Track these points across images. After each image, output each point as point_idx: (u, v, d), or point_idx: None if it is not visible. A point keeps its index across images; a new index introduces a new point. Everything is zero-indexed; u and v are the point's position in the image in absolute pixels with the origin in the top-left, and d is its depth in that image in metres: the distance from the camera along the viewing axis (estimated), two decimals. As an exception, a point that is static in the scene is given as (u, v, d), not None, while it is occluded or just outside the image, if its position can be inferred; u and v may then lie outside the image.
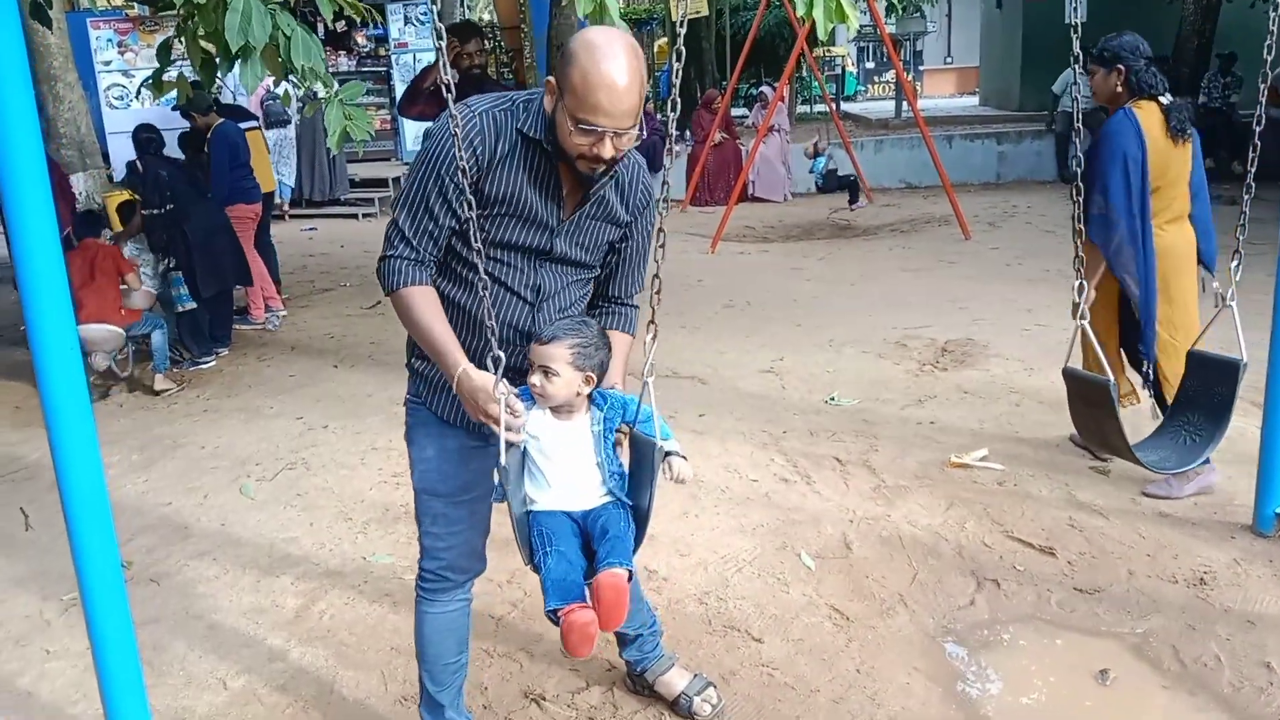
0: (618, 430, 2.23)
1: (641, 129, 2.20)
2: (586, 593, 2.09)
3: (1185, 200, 3.99)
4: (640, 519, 2.22)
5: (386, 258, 2.21)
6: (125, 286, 6.14)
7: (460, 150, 2.03)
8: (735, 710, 2.86)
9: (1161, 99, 3.93)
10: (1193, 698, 2.90)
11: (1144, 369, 3.98)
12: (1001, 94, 21.28)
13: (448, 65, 2.02)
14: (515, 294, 2.26)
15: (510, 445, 2.09)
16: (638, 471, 2.23)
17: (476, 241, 2.03)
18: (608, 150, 2.06)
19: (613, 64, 2.00)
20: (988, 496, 4.15)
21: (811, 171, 13.30)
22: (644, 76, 2.06)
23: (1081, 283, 2.95)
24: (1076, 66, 3.06)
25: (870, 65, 33.15)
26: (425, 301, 2.19)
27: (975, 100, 25.25)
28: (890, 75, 27.99)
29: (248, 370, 6.59)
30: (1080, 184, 3.02)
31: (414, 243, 2.19)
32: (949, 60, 33.33)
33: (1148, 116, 3.89)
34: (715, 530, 3.94)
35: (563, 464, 2.18)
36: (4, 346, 7.31)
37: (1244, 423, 4.09)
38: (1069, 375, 2.91)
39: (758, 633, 3.24)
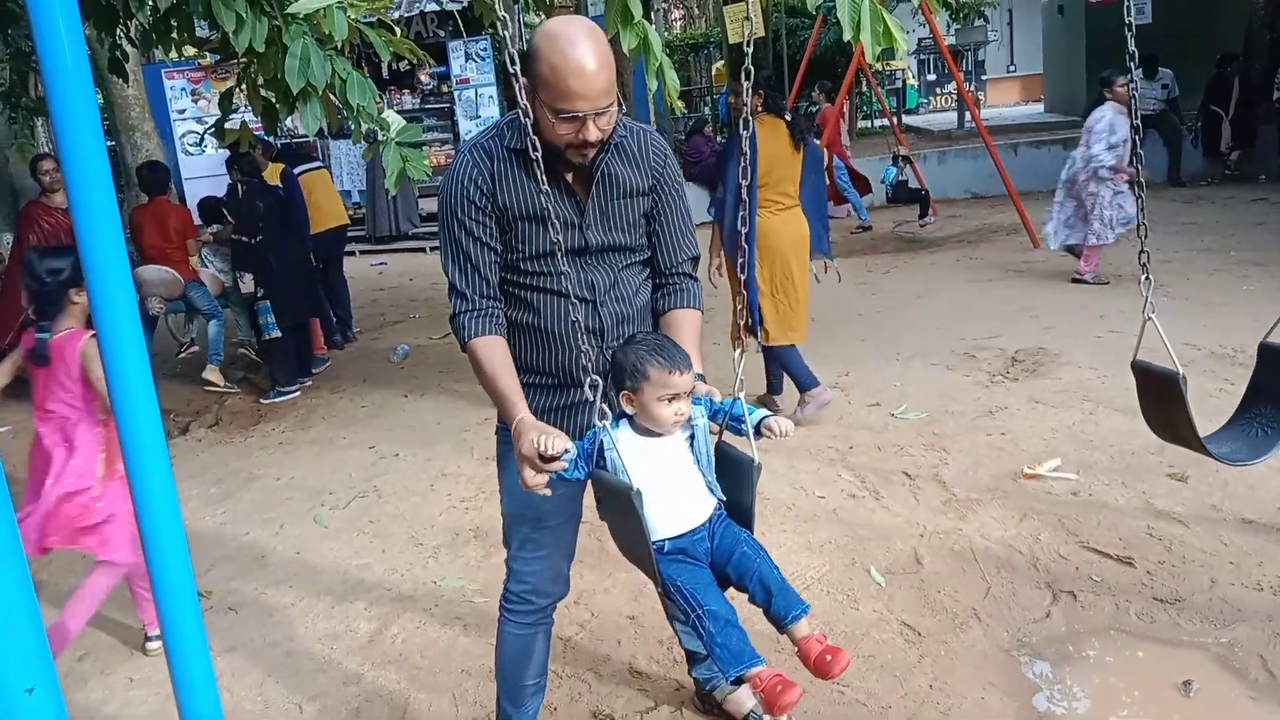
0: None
1: (620, 106, 2.22)
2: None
3: (793, 196, 5.10)
4: (747, 524, 2.23)
5: (453, 318, 2.29)
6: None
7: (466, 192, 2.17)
8: (806, 728, 2.83)
9: (785, 116, 5.04)
10: (1283, 709, 2.80)
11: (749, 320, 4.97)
12: (1067, 100, 20.93)
13: (527, 107, 2.05)
14: (574, 299, 2.28)
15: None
16: (734, 486, 2.21)
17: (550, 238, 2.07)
18: (592, 133, 2.10)
19: (577, 49, 2.03)
20: (1062, 507, 4.07)
21: (883, 182, 13.07)
22: (609, 54, 2.08)
23: (1149, 277, 2.89)
24: (1135, 69, 3.02)
25: (932, 77, 32.86)
26: (488, 354, 2.24)
27: (1041, 108, 24.87)
28: (952, 86, 27.69)
29: (321, 402, 6.73)
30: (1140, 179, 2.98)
31: (467, 294, 2.26)
32: (1012, 69, 32.92)
33: (767, 128, 4.91)
34: (782, 548, 3.92)
35: (665, 483, 2.12)
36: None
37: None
38: (1138, 369, 2.85)
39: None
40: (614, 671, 3.20)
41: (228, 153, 7.08)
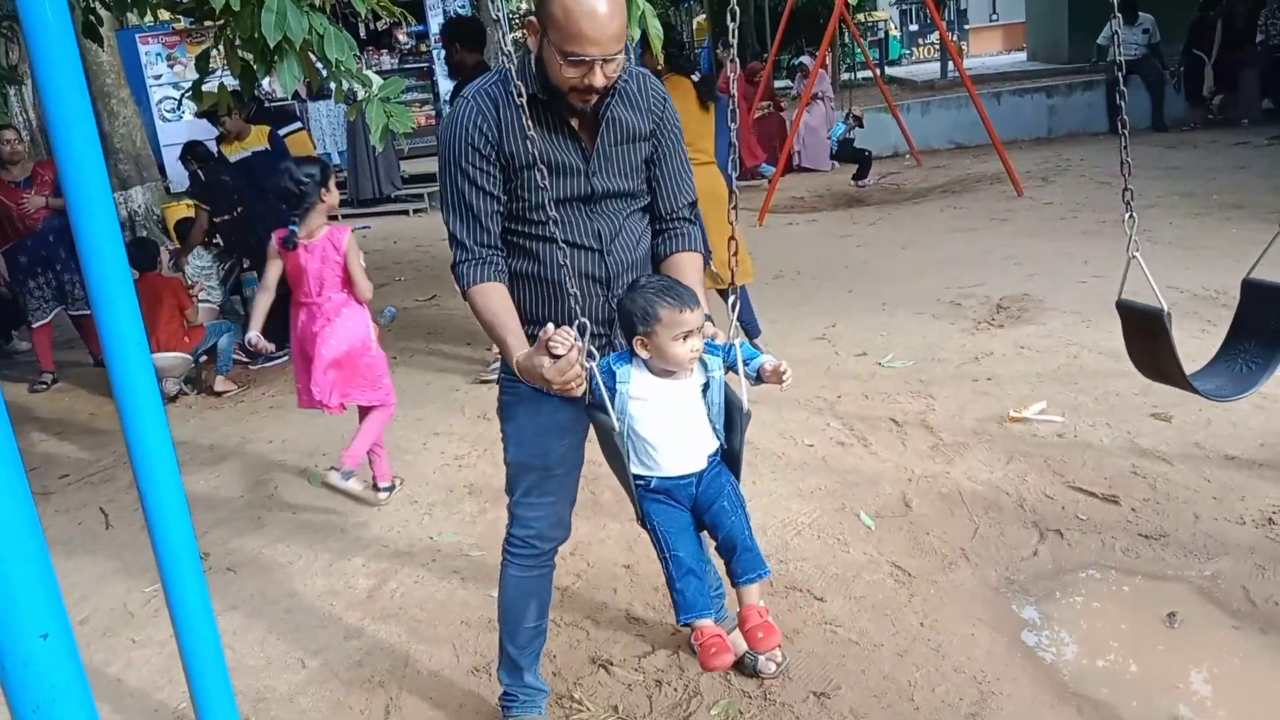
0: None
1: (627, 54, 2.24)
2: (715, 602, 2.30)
3: (708, 152, 5.12)
4: (734, 464, 2.31)
5: (453, 266, 2.30)
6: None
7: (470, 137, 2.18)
8: (800, 667, 2.89)
9: (692, 77, 5.15)
10: (1264, 636, 2.87)
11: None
12: (1050, 48, 20.85)
13: (515, 80, 2.04)
14: (580, 246, 2.29)
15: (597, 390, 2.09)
16: (727, 425, 2.27)
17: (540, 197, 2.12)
18: (599, 79, 2.09)
19: None
20: (1048, 449, 4.12)
21: (829, 137, 13.01)
22: (622, 1, 2.09)
23: (1132, 215, 2.90)
24: (1116, 14, 3.03)
25: (914, 28, 32.68)
26: (487, 299, 2.25)
27: (1024, 56, 24.76)
28: (934, 37, 27.53)
29: (310, 366, 6.73)
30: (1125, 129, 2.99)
31: (467, 243, 2.27)
32: (995, 17, 32.74)
33: (673, 88, 4.79)
34: (773, 495, 3.97)
35: (673, 427, 2.19)
36: (81, 352, 7.52)
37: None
38: (1122, 307, 2.87)
39: (820, 592, 3.27)
40: (611, 618, 3.25)
41: (204, 121, 7.05)
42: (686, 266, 2.40)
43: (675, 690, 2.86)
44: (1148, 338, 2.86)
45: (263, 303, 4.40)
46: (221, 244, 7.22)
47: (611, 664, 3.01)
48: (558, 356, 1.98)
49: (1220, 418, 4.15)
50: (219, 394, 6.27)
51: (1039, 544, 3.45)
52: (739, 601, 2.26)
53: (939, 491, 3.87)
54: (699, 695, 2.82)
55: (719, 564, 2.40)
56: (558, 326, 2.01)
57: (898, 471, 4.08)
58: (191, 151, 7.01)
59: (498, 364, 5.93)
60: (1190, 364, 2.84)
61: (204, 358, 6.46)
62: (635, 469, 2.20)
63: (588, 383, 2.05)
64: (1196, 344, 4.53)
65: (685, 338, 2.11)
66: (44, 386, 6.81)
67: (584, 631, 3.19)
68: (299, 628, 3.43)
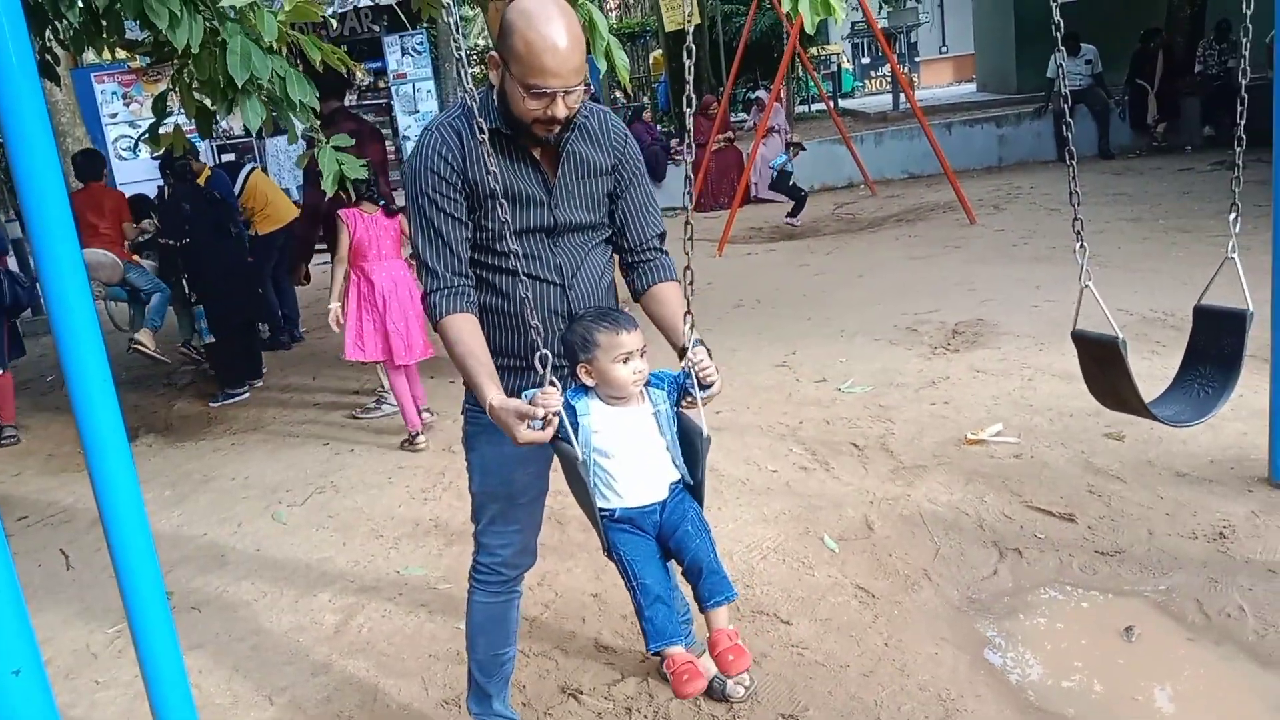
0: (683, 404, 2.25)
1: (590, 92, 2.28)
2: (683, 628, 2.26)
3: None
4: (697, 493, 2.30)
5: (424, 296, 2.30)
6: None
7: (434, 169, 2.21)
8: (768, 690, 2.92)
9: None
10: (1218, 648, 2.94)
11: None
12: (998, 78, 21.32)
13: (473, 90, 2.09)
14: (542, 280, 2.33)
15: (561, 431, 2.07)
16: (687, 453, 2.27)
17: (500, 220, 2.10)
18: (561, 110, 2.14)
19: (551, 27, 2.07)
20: (1005, 470, 4.21)
21: (771, 166, 12.97)
22: (581, 34, 2.14)
23: (1083, 245, 2.99)
24: (1060, 48, 3.13)
25: (866, 60, 33.23)
26: (460, 332, 2.24)
27: (973, 87, 25.26)
28: (886, 69, 28.02)
29: (271, 402, 6.70)
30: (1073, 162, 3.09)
31: (438, 271, 2.27)
32: (944, 49, 33.39)
33: None
34: (738, 521, 4.01)
35: (630, 455, 2.19)
36: (34, 397, 7.44)
37: (1257, 379, 4.13)
38: (1078, 337, 2.95)
39: (786, 615, 3.31)
40: (580, 647, 3.27)
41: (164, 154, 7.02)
42: (668, 295, 2.42)
43: (645, 717, 2.88)
44: (1104, 366, 2.93)
45: (339, 273, 5.32)
46: (157, 262, 7.18)
47: (581, 693, 3.02)
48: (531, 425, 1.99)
49: (1171, 436, 4.25)
50: (139, 345, 6.20)
51: (999, 563, 3.52)
52: (708, 625, 2.24)
53: (900, 514, 3.93)
54: (669, 721, 2.84)
55: (686, 591, 2.41)
56: (537, 374, 2.00)
57: (859, 495, 4.14)
58: (169, 164, 6.88)
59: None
60: (1143, 384, 2.92)
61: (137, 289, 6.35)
62: (599, 501, 2.20)
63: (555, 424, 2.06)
64: (1147, 365, 4.66)
65: (625, 360, 2.13)
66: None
67: (553, 661, 3.20)
68: (266, 664, 3.41)
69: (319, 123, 4.60)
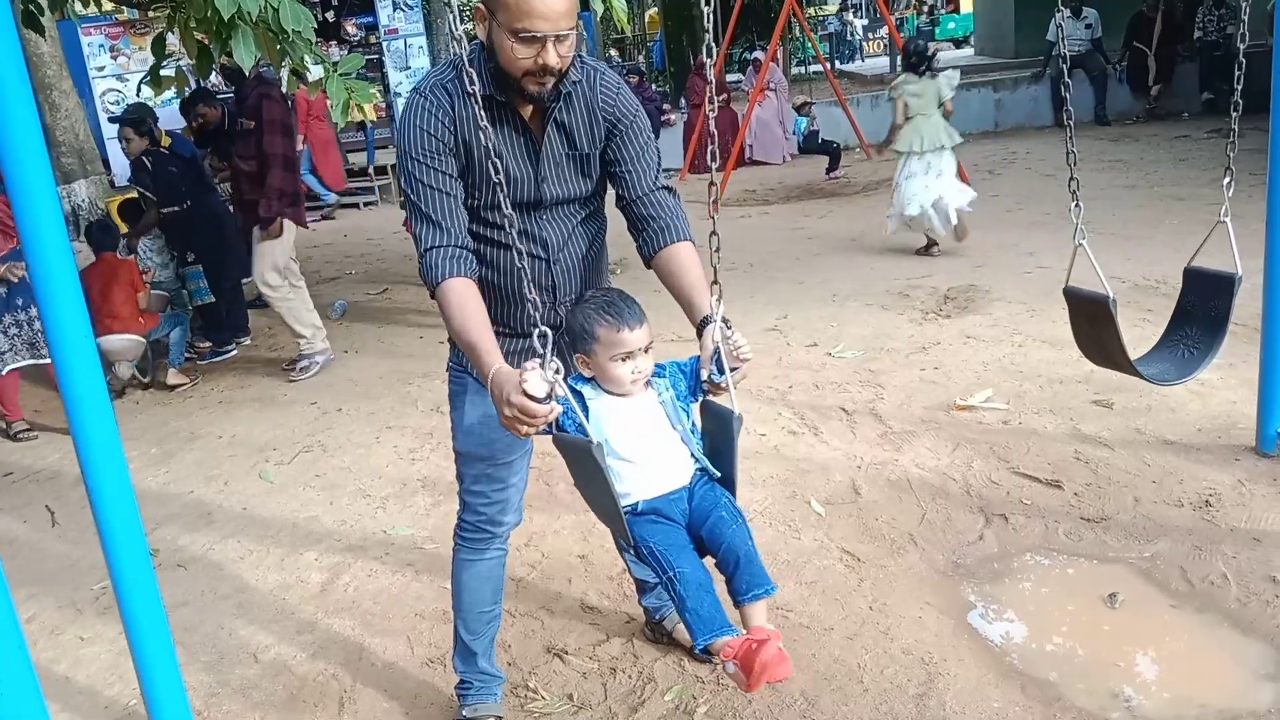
0: (706, 390, 2.12)
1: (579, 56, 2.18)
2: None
3: None
4: (729, 485, 2.16)
5: (422, 255, 2.17)
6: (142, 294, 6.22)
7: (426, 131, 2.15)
8: (752, 652, 2.92)
9: None
10: (1201, 615, 2.96)
11: None
12: (996, 42, 21.10)
13: (468, 68, 1.93)
14: (525, 254, 2.27)
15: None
16: (716, 440, 2.16)
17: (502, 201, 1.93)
18: (552, 58, 2.04)
19: None
20: (993, 436, 4.20)
21: (793, 134, 13.11)
22: None
23: (1078, 204, 2.97)
24: (1063, 8, 3.11)
25: (865, 22, 32.91)
26: (458, 299, 2.12)
27: (971, 51, 25.04)
28: (884, 31, 27.76)
29: (259, 360, 6.68)
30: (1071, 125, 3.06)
31: (440, 221, 2.17)
32: (943, 12, 33.02)
33: None
34: (726, 484, 4.00)
35: (642, 445, 2.06)
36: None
37: (1247, 347, 4.13)
38: (1069, 294, 2.95)
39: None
40: (566, 608, 3.27)
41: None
42: (683, 261, 2.26)
43: (630, 677, 2.89)
44: (1094, 324, 2.93)
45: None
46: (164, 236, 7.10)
47: (566, 653, 3.02)
48: (533, 399, 1.79)
49: (1159, 404, 4.26)
50: (172, 387, 6.18)
51: (984, 528, 3.52)
52: (744, 623, 2.03)
53: (888, 478, 3.93)
54: (653, 682, 2.84)
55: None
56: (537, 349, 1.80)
57: (847, 459, 4.14)
58: (134, 125, 6.65)
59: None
60: (1132, 351, 2.92)
61: (156, 339, 6.36)
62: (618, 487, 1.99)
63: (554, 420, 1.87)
64: (1138, 332, 4.64)
65: (625, 358, 2.02)
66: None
67: (539, 621, 3.21)
68: (251, 622, 3.41)
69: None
